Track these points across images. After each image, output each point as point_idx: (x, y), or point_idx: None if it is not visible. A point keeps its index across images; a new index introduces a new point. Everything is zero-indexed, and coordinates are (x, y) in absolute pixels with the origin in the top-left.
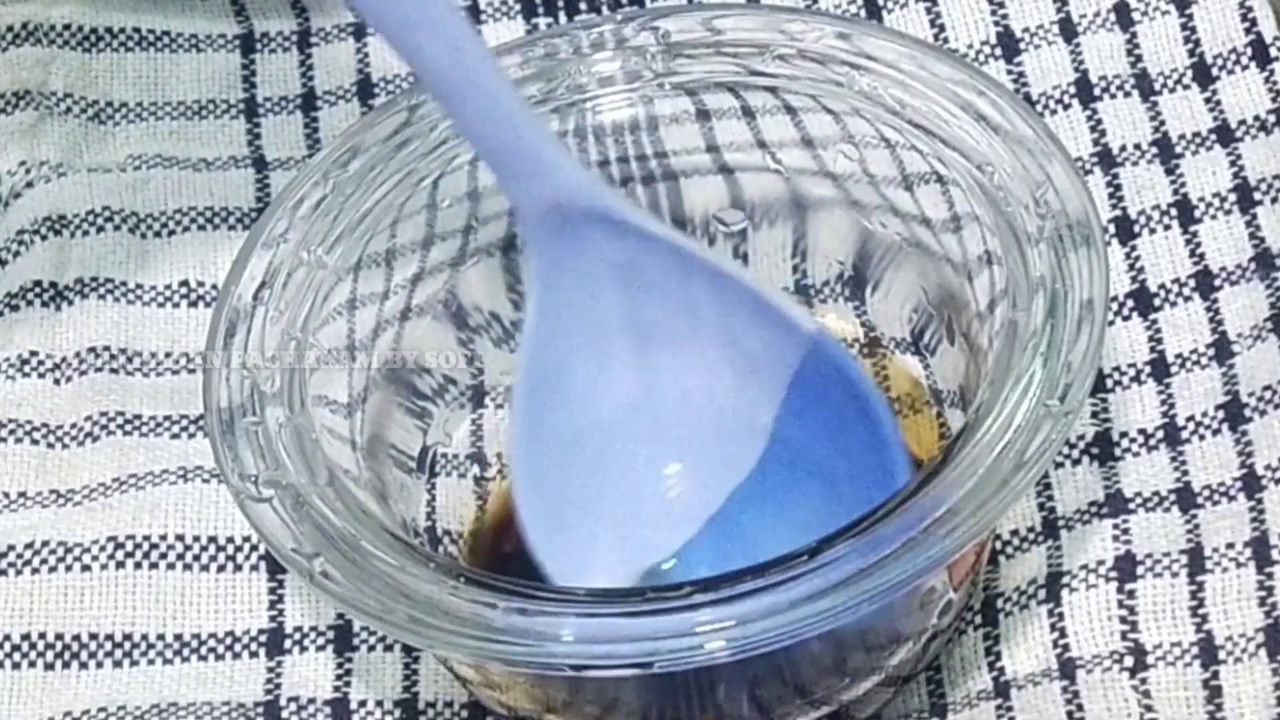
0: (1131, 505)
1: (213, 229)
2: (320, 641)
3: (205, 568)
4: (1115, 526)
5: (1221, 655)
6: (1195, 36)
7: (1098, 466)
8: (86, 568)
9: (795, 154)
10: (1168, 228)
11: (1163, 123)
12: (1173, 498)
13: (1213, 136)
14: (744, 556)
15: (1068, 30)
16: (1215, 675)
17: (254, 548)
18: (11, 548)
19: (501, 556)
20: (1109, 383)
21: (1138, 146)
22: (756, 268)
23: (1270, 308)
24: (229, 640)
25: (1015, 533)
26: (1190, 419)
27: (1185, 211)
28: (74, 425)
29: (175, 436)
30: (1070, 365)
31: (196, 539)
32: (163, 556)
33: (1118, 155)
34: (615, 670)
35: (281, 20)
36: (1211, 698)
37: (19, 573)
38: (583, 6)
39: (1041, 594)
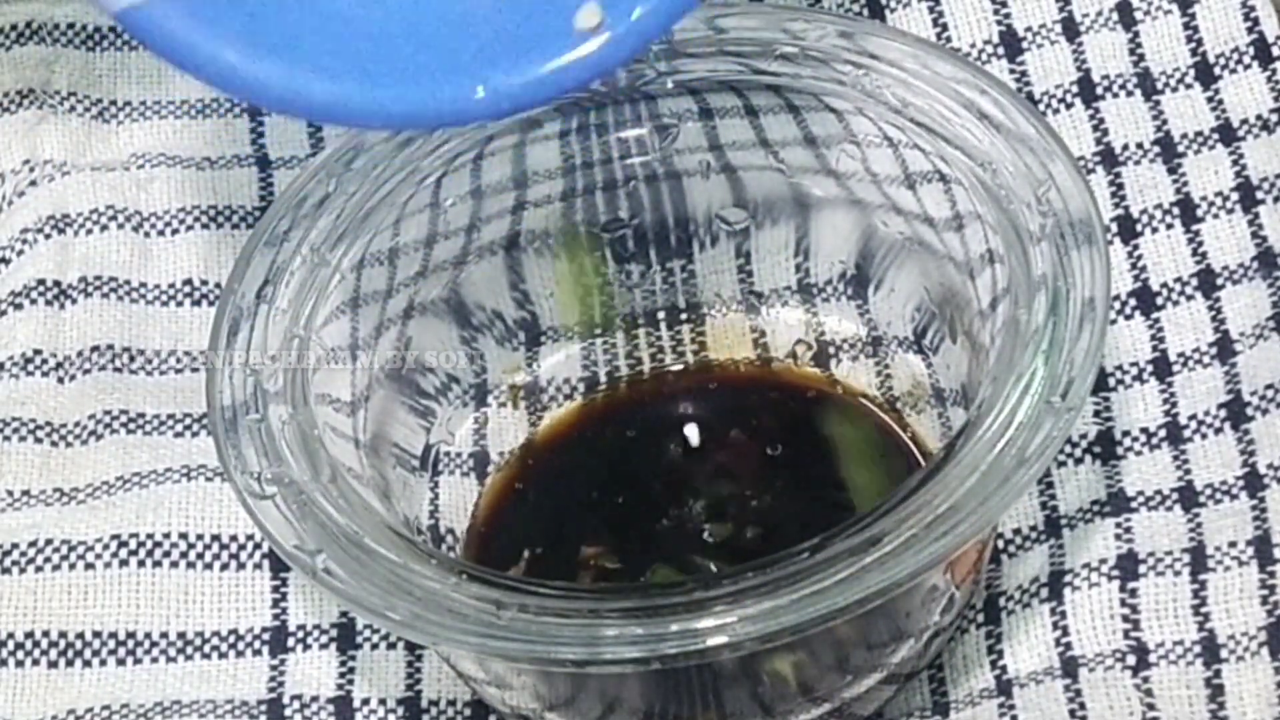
0: (1134, 504)
1: (216, 227)
2: (323, 640)
3: (209, 566)
4: (1117, 525)
5: (1224, 654)
6: (1197, 36)
7: (1100, 465)
8: (90, 566)
9: (798, 153)
10: (1170, 227)
11: (1165, 122)
12: (1175, 496)
13: (1215, 135)
14: None
15: (1070, 29)
16: (1218, 674)
17: (257, 546)
18: (15, 546)
19: (503, 553)
20: (1111, 381)
21: (1140, 145)
22: (759, 266)
23: (1272, 307)
24: (232, 638)
25: (1018, 531)
26: (1192, 418)
27: (1187, 210)
28: (77, 424)
29: (178, 435)
30: (1072, 363)
31: (200, 537)
32: (166, 555)
33: (1120, 154)
34: (617, 667)
35: None
36: (1214, 696)
37: (23, 571)
38: None
39: (1044, 592)
